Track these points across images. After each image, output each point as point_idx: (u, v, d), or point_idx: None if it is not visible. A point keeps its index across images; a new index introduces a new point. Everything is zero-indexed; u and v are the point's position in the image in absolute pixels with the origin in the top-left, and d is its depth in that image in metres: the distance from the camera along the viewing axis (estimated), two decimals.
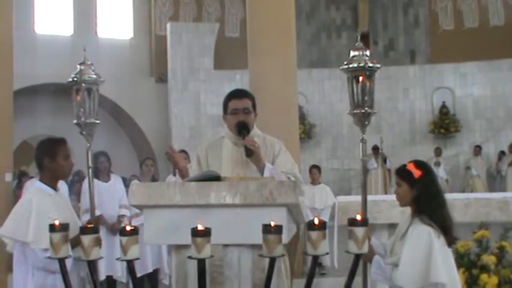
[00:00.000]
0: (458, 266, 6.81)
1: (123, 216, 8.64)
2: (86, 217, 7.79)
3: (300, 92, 16.53)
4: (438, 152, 19.22)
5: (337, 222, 8.27)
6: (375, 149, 18.45)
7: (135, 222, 8.38)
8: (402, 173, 4.20)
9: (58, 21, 19.72)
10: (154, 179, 9.40)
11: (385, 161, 18.52)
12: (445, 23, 21.80)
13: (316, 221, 3.19)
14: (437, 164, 17.85)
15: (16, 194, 10.24)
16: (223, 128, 4.79)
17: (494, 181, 19.42)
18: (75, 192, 10.06)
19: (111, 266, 8.32)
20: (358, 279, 4.05)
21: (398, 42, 22.44)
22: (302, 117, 18.34)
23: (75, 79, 4.97)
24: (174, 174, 8.74)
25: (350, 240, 3.27)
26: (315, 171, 11.43)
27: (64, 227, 3.50)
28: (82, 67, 5.02)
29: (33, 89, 17.90)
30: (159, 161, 18.06)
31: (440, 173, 17.73)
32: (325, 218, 10.14)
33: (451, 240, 4.17)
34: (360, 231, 3.24)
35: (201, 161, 4.69)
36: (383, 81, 19.28)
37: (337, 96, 19.57)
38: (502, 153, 19.45)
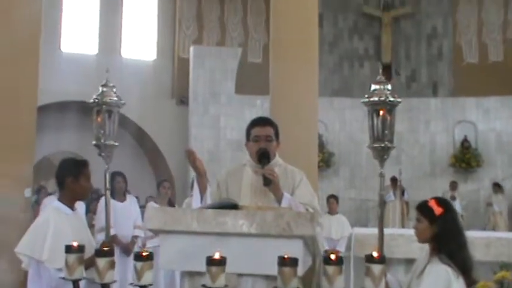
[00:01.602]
0: None
1: (136, 236, 8.64)
2: (101, 236, 7.80)
3: (321, 120, 16.51)
4: (454, 186, 18.97)
5: (353, 254, 8.21)
6: (393, 180, 18.30)
7: (149, 244, 8.39)
8: (423, 208, 4.14)
9: (84, 40, 19.93)
10: (170, 202, 9.39)
11: (403, 193, 18.36)
12: (469, 55, 21.72)
13: (333, 256, 3.15)
14: (453, 198, 17.62)
15: (34, 209, 10.27)
16: (245, 154, 4.77)
17: None
18: (92, 211, 10.07)
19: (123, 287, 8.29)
20: None
21: (421, 74, 22.37)
22: (321, 146, 18.29)
23: (96, 100, 4.99)
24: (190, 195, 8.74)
25: (366, 277, 3.22)
26: (332, 200, 11.39)
27: (80, 249, 3.49)
28: (104, 89, 5.05)
29: (58, 105, 18.05)
30: (177, 183, 18.07)
31: (456, 207, 17.49)
32: (341, 249, 10.09)
33: (470, 282, 4.08)
34: (376, 268, 3.20)
35: (221, 186, 4.67)
36: (404, 113, 19.21)
37: (357, 126, 19.52)
38: None
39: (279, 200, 4.32)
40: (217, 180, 4.78)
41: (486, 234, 8.98)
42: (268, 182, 4.32)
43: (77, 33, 19.91)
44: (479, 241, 7.41)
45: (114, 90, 5.03)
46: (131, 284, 3.51)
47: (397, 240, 7.59)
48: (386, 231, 7.60)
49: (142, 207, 9.92)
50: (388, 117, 4.37)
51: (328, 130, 20.39)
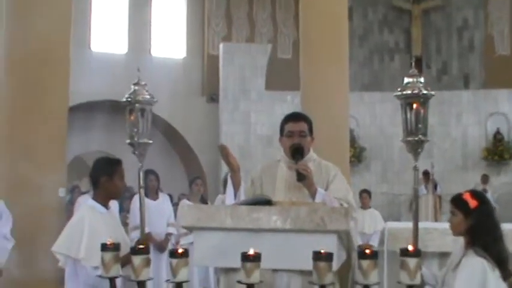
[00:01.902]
0: None
1: (170, 234, 8.70)
2: (135, 234, 7.87)
3: (351, 115, 16.44)
4: (485, 179, 18.80)
5: (386, 248, 8.18)
6: (426, 174, 18.17)
7: (183, 241, 8.44)
8: (457, 202, 4.12)
9: (113, 39, 20.07)
10: (203, 199, 9.44)
11: (435, 186, 18.22)
12: (501, 47, 21.47)
13: (367, 250, 3.15)
14: (484, 191, 17.39)
15: (68, 208, 10.39)
16: (276, 150, 4.78)
17: None
18: (126, 209, 10.16)
19: (157, 284, 8.34)
20: None
21: (452, 67, 22.18)
22: (352, 141, 18.23)
23: (129, 99, 5.03)
24: (224, 192, 8.78)
25: (402, 271, 3.22)
26: (365, 195, 11.36)
27: (116, 247, 3.53)
28: (136, 87, 5.09)
29: (88, 105, 18.21)
30: (209, 180, 18.15)
31: None
32: (374, 243, 10.06)
33: (506, 274, 4.05)
34: (412, 261, 3.19)
35: (255, 182, 4.68)
36: (436, 106, 19.04)
37: (388, 120, 19.42)
38: None
39: (313, 195, 4.32)
40: (251, 176, 4.80)
41: None
42: (302, 177, 4.32)
43: (107, 33, 20.05)
44: None
45: (146, 88, 5.07)
46: (167, 280, 3.54)
47: (431, 233, 7.54)
48: (419, 224, 7.58)
49: (175, 205, 9.98)
50: (422, 111, 4.35)
51: (359, 125, 20.32)
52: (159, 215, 8.73)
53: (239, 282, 3.23)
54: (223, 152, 4.48)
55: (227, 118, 20.10)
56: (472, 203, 4.04)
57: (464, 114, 20.53)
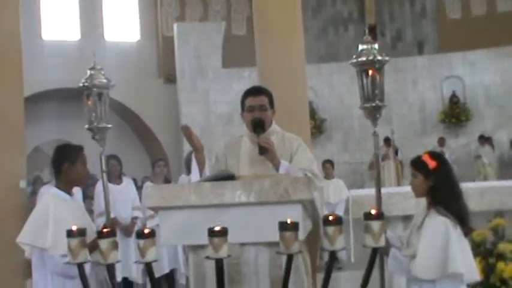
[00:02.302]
0: (475, 255, 6.77)
1: (136, 217, 8.68)
2: (101, 220, 7.84)
3: (310, 87, 16.50)
4: (442, 141, 19.16)
5: (351, 216, 8.28)
6: (387, 140, 18.40)
7: (150, 224, 8.43)
8: (417, 164, 4.20)
9: (65, 26, 19.78)
10: (166, 180, 9.44)
11: (396, 152, 18.47)
12: (452, 11, 21.73)
13: (331, 217, 3.20)
14: (442, 153, 17.71)
15: (31, 200, 10.28)
16: (241, 126, 4.79)
17: (507, 169, 19.34)
18: (90, 197, 10.10)
19: (126, 267, 8.35)
20: (375, 272, 4.05)
21: (406, 33, 22.39)
22: (312, 112, 18.31)
23: (86, 84, 4.99)
24: (187, 174, 8.78)
25: (366, 234, 3.27)
26: (328, 165, 11.45)
27: (81, 232, 3.52)
28: (92, 72, 5.05)
29: (42, 95, 17.98)
30: (171, 161, 18.10)
31: None
32: (340, 212, 10.16)
33: (467, 231, 4.17)
34: (375, 224, 3.25)
35: (220, 159, 4.70)
36: (392, 73, 19.22)
37: (346, 90, 19.55)
38: None
39: (276, 168, 4.35)
40: (215, 153, 4.81)
41: (479, 184, 9.07)
42: (264, 150, 4.35)
43: (58, 20, 19.74)
44: (472, 191, 7.44)
45: (103, 72, 5.03)
46: (136, 262, 3.55)
47: (393, 198, 7.63)
48: (382, 190, 7.68)
49: (139, 189, 9.95)
50: (377, 77, 4.40)
51: (318, 96, 20.42)
52: (124, 199, 8.70)
53: (207, 257, 3.25)
54: (186, 132, 4.49)
55: (186, 98, 20.02)
56: (431, 163, 4.13)
57: (420, 80, 20.77)
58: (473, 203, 6.98)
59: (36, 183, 14.85)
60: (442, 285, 4.06)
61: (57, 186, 4.75)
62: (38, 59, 17.47)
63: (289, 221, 3.21)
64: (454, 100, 20.44)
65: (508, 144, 19.70)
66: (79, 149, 4.76)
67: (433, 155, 4.22)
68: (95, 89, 4.95)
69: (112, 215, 8.14)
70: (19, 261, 6.94)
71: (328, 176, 11.26)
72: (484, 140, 19.23)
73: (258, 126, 4.49)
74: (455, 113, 20.24)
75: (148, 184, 9.08)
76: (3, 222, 7.47)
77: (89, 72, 5.03)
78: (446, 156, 17.91)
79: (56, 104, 18.61)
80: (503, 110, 20.19)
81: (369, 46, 4.43)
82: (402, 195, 7.37)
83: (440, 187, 4.09)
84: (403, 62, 20.32)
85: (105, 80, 5.01)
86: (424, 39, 22.18)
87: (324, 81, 20.48)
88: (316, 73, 19.71)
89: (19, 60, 8.65)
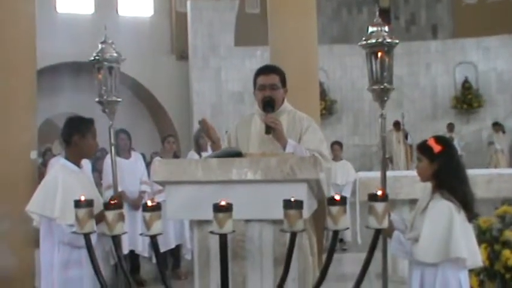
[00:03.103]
0: (480, 241, 6.83)
1: (144, 192, 8.73)
2: (108, 193, 7.89)
3: (321, 68, 16.50)
4: (451, 127, 19.13)
5: (358, 198, 8.31)
6: (396, 124, 18.37)
7: (158, 199, 8.48)
8: (422, 148, 4.21)
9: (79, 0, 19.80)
10: (176, 156, 9.45)
11: (406, 136, 18.45)
12: None
13: (336, 197, 3.22)
14: (451, 139, 17.68)
15: (41, 171, 10.36)
16: (254, 105, 4.82)
17: None
18: (98, 170, 10.16)
19: (133, 241, 8.43)
20: (378, 254, 4.09)
21: (420, 17, 22.26)
22: (323, 93, 18.31)
23: (96, 58, 5.01)
24: (198, 153, 8.81)
25: (370, 216, 3.28)
26: (336, 147, 11.45)
27: (89, 203, 3.56)
28: (103, 46, 5.07)
29: (55, 67, 18.03)
30: (181, 138, 18.16)
31: None
32: (347, 194, 10.19)
33: (471, 216, 4.17)
34: (380, 206, 3.25)
35: (232, 139, 4.77)
36: (404, 57, 19.19)
37: (358, 72, 19.51)
38: None
39: (283, 147, 4.38)
40: (228, 135, 4.88)
41: (488, 171, 9.06)
42: (270, 130, 4.38)
43: None
44: (480, 178, 7.49)
45: (114, 46, 5.05)
46: (141, 234, 3.59)
47: (400, 181, 7.68)
48: (390, 173, 7.70)
49: (148, 164, 9.99)
50: (386, 59, 4.39)
51: (329, 78, 20.39)
52: (132, 173, 8.74)
53: (212, 232, 3.28)
54: (204, 125, 4.55)
55: (197, 75, 20.04)
56: (436, 147, 4.14)
57: (433, 64, 20.69)
58: (481, 190, 7.03)
59: (46, 155, 14.96)
60: (444, 270, 4.09)
61: (67, 157, 4.81)
62: (52, 32, 17.51)
63: (293, 199, 3.23)
64: (466, 86, 20.36)
65: None
66: (89, 121, 4.82)
67: (439, 139, 4.22)
68: (105, 63, 4.98)
69: (120, 189, 8.23)
70: (29, 230, 7.02)
71: (336, 158, 11.26)
72: (498, 126, 19.17)
73: (268, 105, 4.52)
74: (467, 99, 20.17)
75: (156, 159, 9.12)
76: (14, 192, 7.53)
77: (100, 45, 5.05)
78: (455, 142, 17.93)
79: (69, 77, 18.68)
80: None
81: (379, 28, 4.42)
82: (409, 179, 7.42)
83: (444, 171, 4.10)
84: (416, 46, 20.25)
85: (115, 54, 5.03)
86: (438, 24, 22.05)
87: (336, 62, 20.43)
88: (328, 54, 19.68)
89: (33, 32, 8.67)
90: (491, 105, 20.33)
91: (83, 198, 3.54)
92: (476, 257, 4.19)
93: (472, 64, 20.56)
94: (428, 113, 20.67)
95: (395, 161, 18.13)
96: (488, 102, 20.29)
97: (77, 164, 4.80)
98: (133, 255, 8.71)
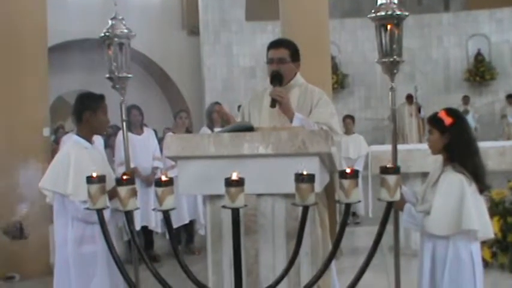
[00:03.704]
0: (493, 214, 6.85)
1: (156, 168, 8.75)
2: (121, 170, 7.91)
3: (333, 42, 16.42)
4: (466, 100, 19.03)
5: (370, 172, 8.32)
6: (409, 97, 18.29)
7: (170, 174, 8.50)
8: (433, 120, 4.20)
9: None
10: (188, 131, 9.46)
11: (419, 110, 18.38)
12: None
13: (348, 170, 3.21)
14: (466, 112, 17.65)
15: (53, 148, 10.42)
16: (261, 78, 4.84)
17: None
18: (110, 146, 10.20)
19: (146, 217, 8.48)
20: (390, 227, 4.10)
21: None
22: (335, 67, 18.25)
23: (107, 34, 5.00)
24: (211, 128, 8.82)
25: (382, 188, 3.28)
26: (348, 121, 11.43)
27: (101, 179, 3.57)
28: (113, 22, 5.05)
29: (66, 45, 18.03)
30: (193, 113, 18.18)
31: (469, 121, 17.43)
32: (359, 167, 10.17)
33: (483, 188, 4.17)
34: (391, 179, 3.24)
35: (245, 113, 4.80)
36: (416, 30, 19.07)
37: (370, 46, 19.39)
38: None
39: (290, 120, 4.39)
40: (241, 109, 4.91)
41: (501, 143, 9.05)
42: (275, 103, 4.39)
43: None
44: (493, 151, 7.48)
45: (124, 22, 5.04)
46: (153, 209, 3.61)
47: (413, 154, 7.68)
48: (402, 146, 7.70)
49: (161, 140, 10.01)
50: (396, 31, 4.35)
51: (340, 51, 20.29)
52: (145, 149, 8.76)
53: (224, 207, 3.29)
54: (219, 113, 4.59)
55: (208, 51, 20.00)
56: (447, 120, 4.12)
57: (445, 37, 20.53)
58: (493, 162, 7.03)
59: (58, 132, 15.03)
60: (455, 242, 4.09)
61: (78, 134, 4.83)
62: (62, 9, 17.48)
63: (305, 173, 3.23)
64: (479, 58, 20.22)
65: None
66: (100, 97, 4.83)
67: (450, 111, 4.20)
68: (116, 39, 4.96)
69: (133, 165, 8.26)
70: (43, 206, 7.07)
71: (348, 132, 11.25)
72: (511, 99, 19.05)
73: (275, 79, 4.52)
74: (480, 72, 20.04)
75: (169, 134, 9.11)
76: (27, 169, 7.59)
77: (110, 22, 5.04)
78: (470, 114, 17.87)
79: (80, 54, 18.68)
80: None
81: (388, 0, 4.39)
82: (422, 152, 7.42)
83: (456, 143, 4.09)
84: (428, 19, 20.09)
85: (126, 30, 5.02)
86: None
87: (348, 36, 20.33)
88: (340, 28, 19.58)
89: (44, 9, 8.68)
90: (504, 77, 20.19)
91: (94, 174, 3.55)
92: (488, 228, 4.19)
93: (485, 36, 20.39)
94: (441, 86, 20.56)
95: (407, 134, 18.08)
96: (501, 74, 20.15)
97: (89, 140, 4.83)
98: (146, 231, 8.76)
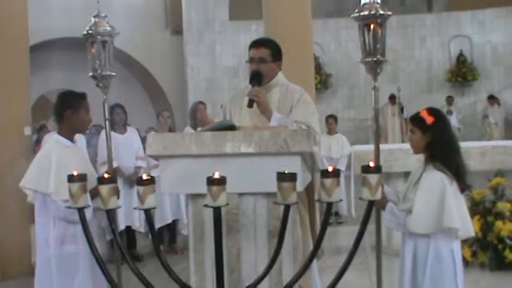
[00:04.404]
0: (474, 213, 6.91)
1: (139, 167, 8.72)
2: (104, 169, 7.88)
3: (316, 42, 16.44)
4: (450, 100, 19.17)
5: (353, 172, 8.34)
6: (392, 97, 18.38)
7: (153, 174, 8.48)
8: (415, 120, 4.23)
9: None
10: (171, 131, 9.44)
11: (402, 110, 18.47)
12: None
13: (330, 169, 3.22)
14: (449, 112, 17.77)
15: (36, 147, 10.36)
16: (245, 77, 4.83)
17: None
18: (92, 145, 10.15)
19: (129, 216, 8.45)
20: (372, 227, 4.11)
21: None
22: (318, 68, 18.29)
23: (90, 32, 4.97)
24: (194, 128, 8.80)
25: (363, 187, 3.29)
26: (331, 121, 11.45)
27: (82, 177, 3.55)
28: (96, 19, 5.02)
29: (48, 43, 17.92)
30: (176, 113, 18.15)
31: (452, 121, 17.61)
32: (342, 167, 10.21)
33: (464, 187, 4.21)
34: (373, 178, 3.26)
35: (226, 112, 4.78)
36: (399, 30, 19.15)
37: (353, 46, 19.45)
38: None
39: (269, 120, 4.39)
40: (223, 108, 4.90)
41: (482, 143, 9.10)
42: (252, 103, 4.39)
43: None
44: (475, 150, 7.53)
45: (107, 20, 5.01)
46: (135, 208, 3.60)
47: (395, 154, 7.71)
48: (384, 146, 7.72)
49: (144, 139, 9.98)
50: (379, 31, 4.37)
51: (324, 51, 20.33)
52: (128, 148, 8.72)
53: (206, 206, 3.29)
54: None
55: (192, 50, 19.97)
56: (429, 119, 4.15)
57: (427, 38, 20.65)
58: (474, 162, 7.07)
59: (41, 131, 14.94)
60: (436, 240, 4.12)
61: (60, 132, 4.80)
62: (44, 7, 17.38)
63: (287, 172, 3.23)
64: (461, 59, 20.36)
65: None
66: (81, 96, 4.80)
67: (431, 110, 4.24)
68: (99, 37, 4.94)
69: (116, 165, 8.23)
70: (23, 205, 7.03)
71: (331, 132, 11.28)
72: (493, 99, 19.22)
73: (254, 79, 4.52)
74: (462, 72, 20.17)
75: (151, 133, 9.09)
76: (8, 168, 7.54)
77: (93, 19, 5.01)
78: (454, 115, 17.99)
79: (62, 53, 18.58)
80: (510, 70, 20.11)
81: (372, 0, 4.41)
82: (404, 152, 7.45)
83: (437, 142, 4.12)
84: (411, 19, 20.20)
85: (109, 28, 4.99)
86: None
87: (331, 36, 20.38)
88: (324, 28, 19.62)
89: (25, 8, 8.62)
90: (486, 78, 20.33)
91: (76, 172, 3.53)
92: (469, 227, 4.23)
93: (467, 37, 20.53)
94: (424, 86, 20.68)
95: (390, 135, 18.17)
96: (483, 75, 20.29)
97: (71, 139, 4.79)
98: (129, 231, 8.74)
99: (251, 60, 4.62)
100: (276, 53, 4.70)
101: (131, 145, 8.79)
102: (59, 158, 4.57)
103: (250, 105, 4.41)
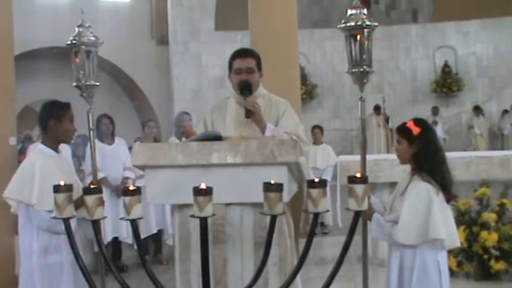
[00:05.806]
0: (459, 223, 6.92)
1: (127, 178, 8.67)
2: (90, 180, 7.83)
3: (302, 53, 16.48)
4: (435, 111, 19.29)
5: (339, 182, 8.34)
6: (377, 108, 18.45)
7: (139, 184, 8.44)
8: (402, 130, 4.24)
9: None
10: (156, 141, 9.41)
11: (387, 120, 18.53)
12: None
13: (316, 179, 3.22)
14: (435, 123, 17.86)
15: (21, 157, 10.29)
16: (229, 88, 4.81)
17: (497, 140, 19.49)
18: (78, 156, 10.10)
19: (116, 227, 8.40)
20: (358, 237, 4.11)
21: (400, 1, 22.25)
22: (304, 78, 18.32)
23: (74, 41, 4.95)
24: (179, 138, 8.76)
25: (350, 198, 3.28)
26: (317, 131, 11.46)
27: (68, 188, 3.52)
28: (80, 29, 5.00)
29: (33, 53, 17.85)
30: (162, 123, 18.10)
31: (438, 132, 17.62)
32: (328, 178, 10.21)
33: (450, 197, 4.22)
34: (359, 188, 3.25)
35: (207, 122, 4.74)
36: (384, 41, 19.24)
37: (339, 56, 19.53)
38: (505, 111, 19.46)
39: (262, 131, 4.39)
40: (204, 118, 4.85)
41: (467, 154, 9.15)
42: (250, 114, 4.38)
43: None
44: (460, 161, 7.56)
45: (91, 30, 4.99)
46: (121, 218, 3.57)
47: (381, 165, 7.73)
48: (370, 156, 7.74)
49: (131, 149, 9.93)
50: (366, 42, 4.39)
51: (309, 62, 20.38)
52: (115, 159, 8.67)
53: (192, 216, 3.27)
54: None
55: (178, 60, 19.95)
56: (415, 130, 4.17)
57: (412, 48, 20.76)
58: (460, 173, 7.09)
59: (26, 141, 14.85)
60: (422, 251, 4.13)
61: (44, 142, 4.77)
62: (30, 17, 17.32)
63: (273, 182, 3.22)
64: (446, 70, 20.47)
65: (499, 116, 19.79)
66: (66, 106, 4.77)
67: (418, 121, 4.25)
68: (83, 47, 4.91)
69: (103, 175, 8.19)
70: (7, 216, 6.97)
71: (316, 142, 11.29)
72: (478, 110, 19.35)
73: (245, 89, 4.51)
74: (447, 83, 20.28)
75: (137, 143, 9.05)
76: None
77: (77, 29, 4.99)
78: (439, 125, 18.08)
79: (47, 62, 18.49)
80: (494, 81, 20.26)
81: (358, 11, 4.42)
82: (390, 162, 7.47)
83: (423, 153, 4.13)
84: (396, 30, 20.30)
85: (93, 38, 4.96)
86: (418, 8, 22.06)
87: (317, 47, 20.44)
88: (309, 39, 19.67)
89: (10, 17, 8.58)
90: (471, 89, 20.46)
91: (62, 183, 3.50)
92: (455, 237, 4.24)
93: (452, 48, 20.66)
94: (409, 97, 20.76)
95: (376, 146, 18.21)
96: (467, 86, 20.41)
97: (55, 149, 4.76)
98: (115, 242, 8.68)
99: (239, 71, 4.61)
100: (259, 63, 4.72)
101: (119, 155, 8.74)
102: (42, 168, 4.54)
103: (248, 115, 4.40)
